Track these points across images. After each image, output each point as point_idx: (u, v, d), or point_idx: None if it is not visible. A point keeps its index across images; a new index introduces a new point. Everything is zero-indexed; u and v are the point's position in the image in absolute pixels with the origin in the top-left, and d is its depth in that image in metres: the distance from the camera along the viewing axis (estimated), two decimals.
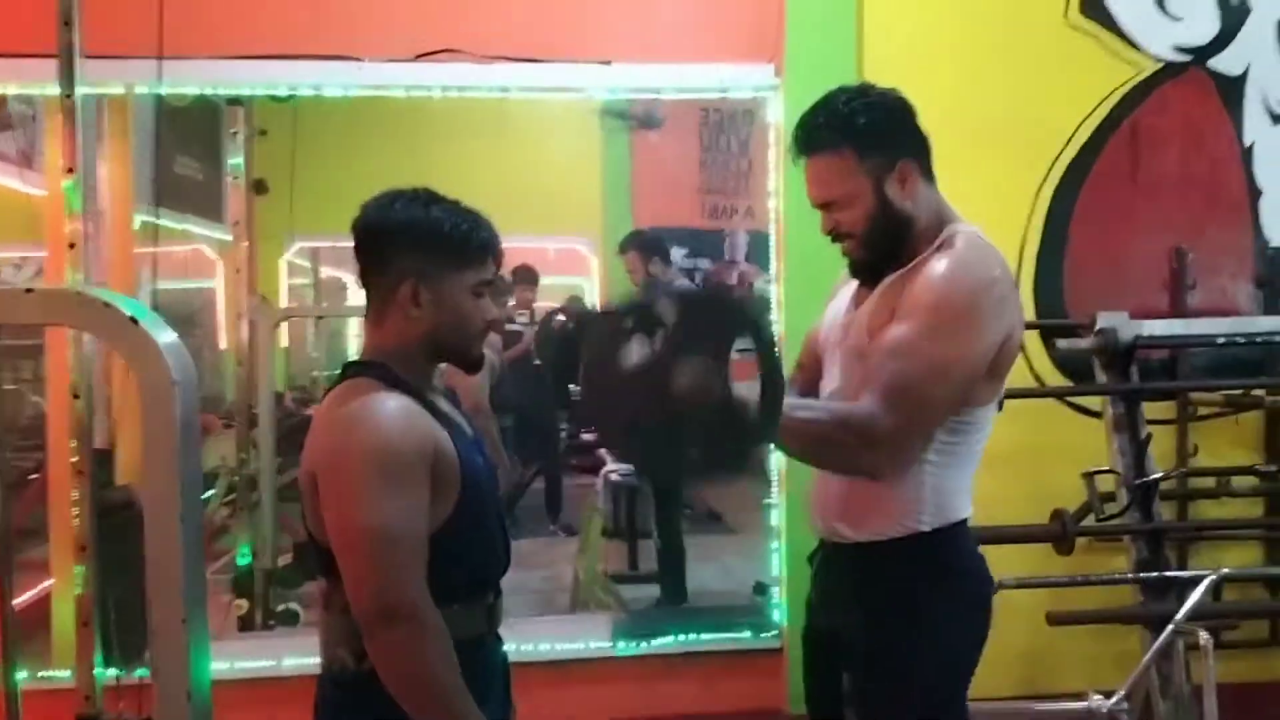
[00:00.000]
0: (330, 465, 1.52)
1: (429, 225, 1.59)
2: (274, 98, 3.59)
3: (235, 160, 4.06)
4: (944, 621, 1.72)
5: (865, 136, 1.69)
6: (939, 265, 1.66)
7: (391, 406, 1.53)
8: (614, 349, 1.51)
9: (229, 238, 5.32)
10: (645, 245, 4.75)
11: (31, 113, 4.14)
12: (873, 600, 1.73)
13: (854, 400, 1.67)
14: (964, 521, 1.76)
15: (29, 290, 1.41)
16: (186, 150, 5.55)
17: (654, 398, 1.47)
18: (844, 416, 1.62)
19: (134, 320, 1.41)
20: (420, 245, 1.59)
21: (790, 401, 1.61)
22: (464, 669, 1.52)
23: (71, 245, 2.33)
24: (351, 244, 1.65)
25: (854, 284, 1.85)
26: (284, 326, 5.58)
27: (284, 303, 6.24)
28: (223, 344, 5.95)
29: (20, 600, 3.71)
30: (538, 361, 5.88)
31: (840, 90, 1.75)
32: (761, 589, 4.11)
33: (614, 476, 5.22)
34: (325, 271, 7.25)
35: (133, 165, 4.03)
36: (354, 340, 6.58)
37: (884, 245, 1.73)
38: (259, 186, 5.23)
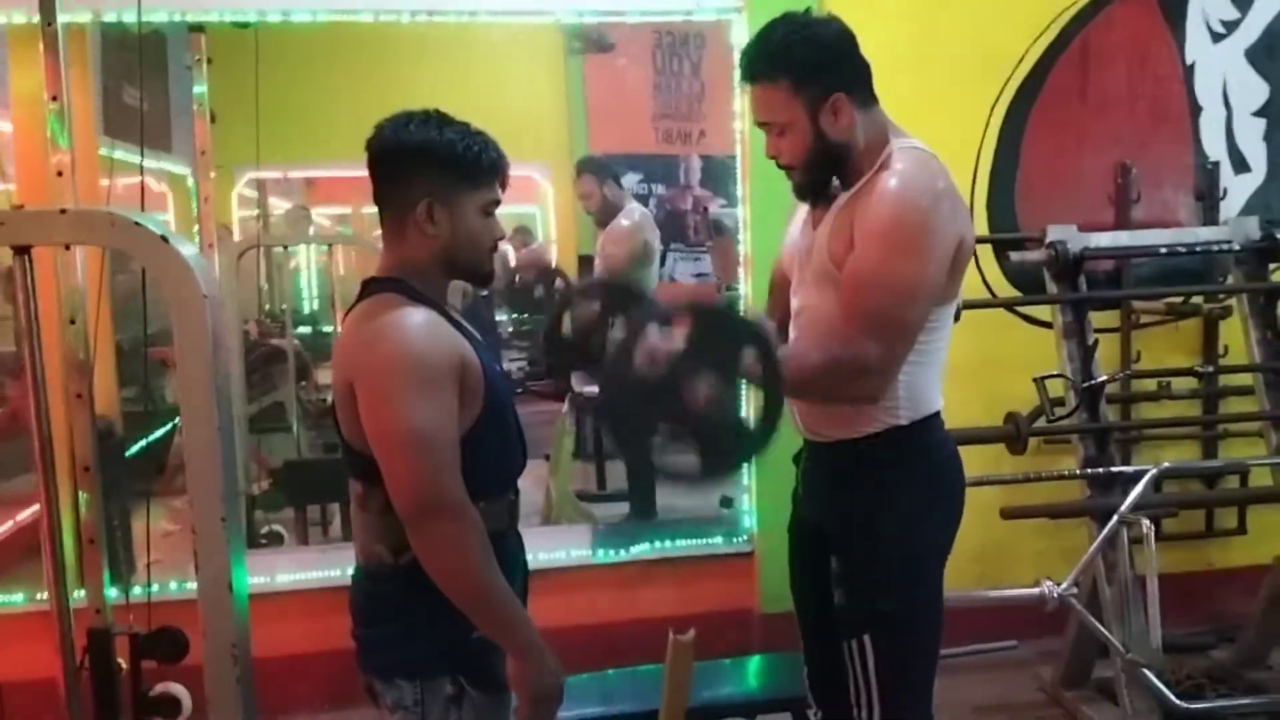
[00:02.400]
0: (366, 375, 1.62)
1: (444, 146, 1.67)
2: (238, 24, 3.59)
3: (199, 89, 4.04)
4: (922, 503, 1.88)
5: (799, 70, 1.81)
6: (887, 186, 1.77)
7: (419, 319, 1.63)
8: (629, 344, 1.58)
9: (178, 170, 5.28)
10: (599, 168, 4.84)
11: None
12: (857, 488, 1.88)
13: (827, 320, 1.81)
14: (937, 414, 1.91)
15: (63, 211, 1.49)
16: (134, 81, 5.48)
17: (669, 404, 1.56)
18: (834, 358, 1.74)
19: (164, 239, 1.49)
20: (435, 165, 1.67)
21: (782, 354, 1.74)
22: None
23: (59, 174, 2.36)
24: (366, 164, 1.72)
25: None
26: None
27: (236, 235, 6.20)
28: None
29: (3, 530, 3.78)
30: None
31: (781, 20, 1.86)
32: (728, 502, 4.28)
33: (580, 401, 5.33)
34: (273, 203, 7.22)
35: (92, 96, 4.01)
36: (307, 271, 6.58)
37: (820, 171, 1.87)
38: (209, 117, 5.18)
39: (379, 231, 1.75)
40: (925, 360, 1.85)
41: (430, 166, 1.67)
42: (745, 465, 1.70)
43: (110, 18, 3.19)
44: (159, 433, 4.88)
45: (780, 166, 1.90)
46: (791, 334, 1.97)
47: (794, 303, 1.96)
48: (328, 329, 6.34)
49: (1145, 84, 3.60)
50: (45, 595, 3.22)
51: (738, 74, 3.34)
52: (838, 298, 1.80)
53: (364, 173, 1.74)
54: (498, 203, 1.75)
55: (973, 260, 3.40)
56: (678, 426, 1.58)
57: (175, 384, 4.48)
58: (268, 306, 6.71)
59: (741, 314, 1.66)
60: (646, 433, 1.59)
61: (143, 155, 2.45)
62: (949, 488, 1.93)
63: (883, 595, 1.86)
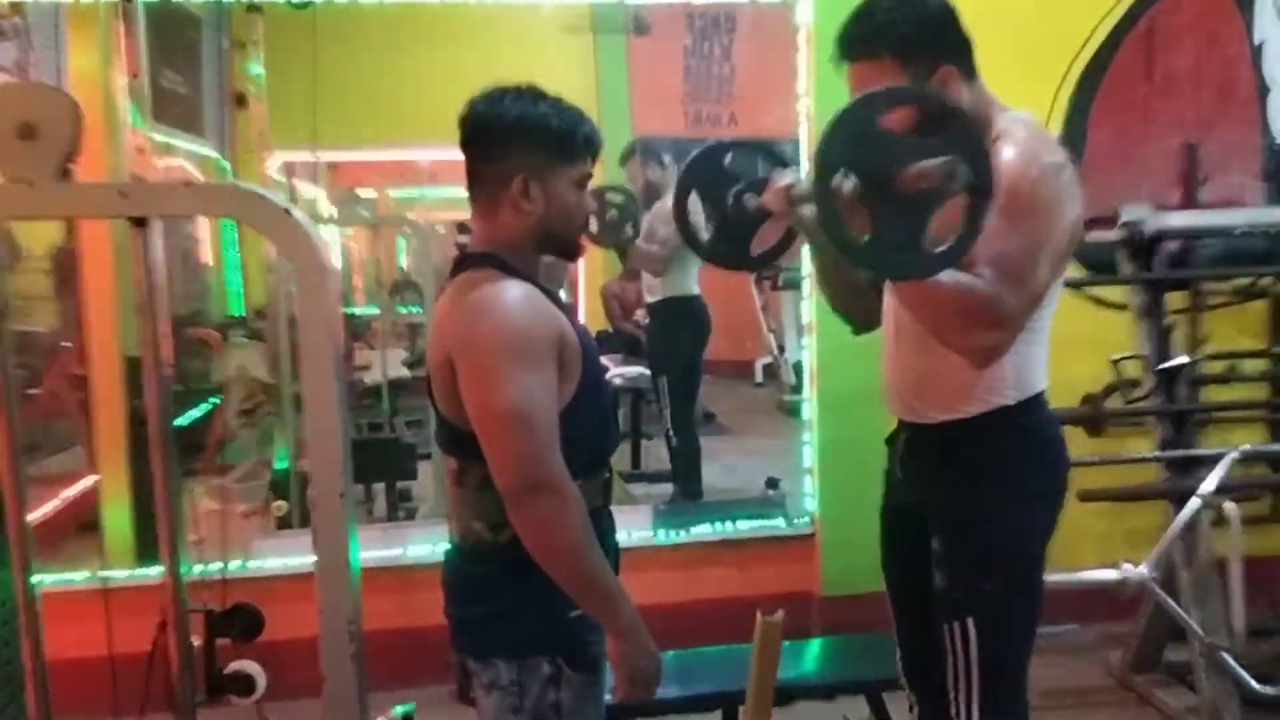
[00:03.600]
0: (466, 350, 1.59)
1: (539, 121, 1.64)
2: (295, 5, 3.57)
3: (257, 70, 4.01)
4: (1030, 484, 1.85)
5: (906, 44, 1.75)
6: (1005, 155, 1.71)
7: (518, 293, 1.61)
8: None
9: (210, 153, 5.26)
10: (642, 152, 4.85)
11: (23, 24, 4.08)
12: (964, 469, 1.84)
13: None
14: (1043, 393, 1.87)
15: (187, 184, 1.46)
16: (170, 64, 5.47)
17: (888, 190, 1.47)
18: (968, 292, 1.62)
19: (287, 212, 1.47)
20: (531, 141, 1.64)
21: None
22: None
23: (140, 150, 2.34)
24: (460, 141, 1.69)
25: None
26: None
27: None
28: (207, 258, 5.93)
29: (45, 509, 3.78)
30: None
31: None
32: (774, 483, 4.27)
33: (617, 381, 5.32)
34: (299, 185, 7.21)
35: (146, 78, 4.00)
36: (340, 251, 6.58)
37: None
38: (239, 100, 5.16)
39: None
40: (1033, 339, 1.81)
41: (526, 141, 1.64)
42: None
43: None
44: (199, 411, 4.89)
45: None
46: (886, 300, 1.94)
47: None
48: (358, 310, 6.36)
49: (1213, 64, 3.55)
50: (101, 573, 3.25)
51: (802, 53, 3.39)
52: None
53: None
54: (590, 177, 1.72)
55: None
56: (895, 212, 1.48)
57: (218, 364, 4.42)
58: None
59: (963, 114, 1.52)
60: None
61: (224, 142, 2.44)
62: (1056, 468, 1.90)
63: (989, 577, 1.83)
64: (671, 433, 4.62)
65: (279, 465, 3.97)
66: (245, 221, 1.45)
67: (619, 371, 5.40)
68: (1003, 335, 1.67)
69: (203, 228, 6.29)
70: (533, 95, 1.67)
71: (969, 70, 1.81)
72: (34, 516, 3.72)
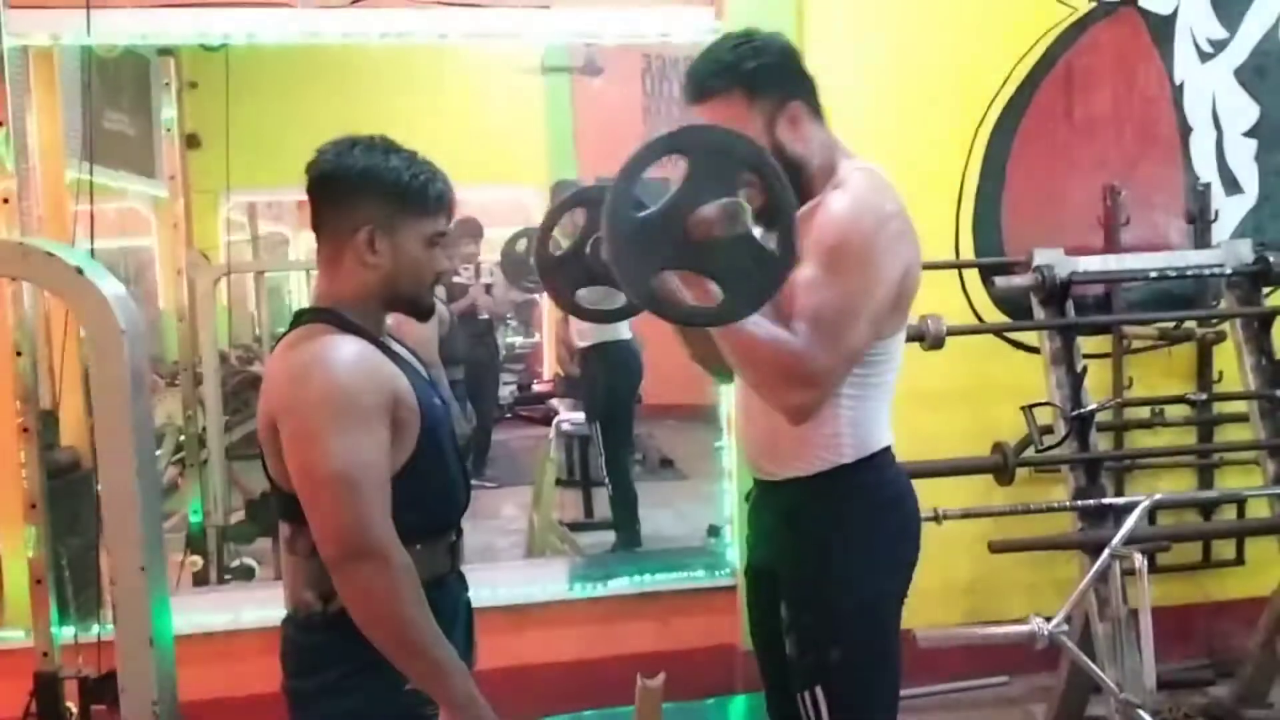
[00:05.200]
0: (290, 410, 1.54)
1: (388, 173, 1.60)
2: (206, 47, 3.52)
3: (170, 112, 3.97)
4: (872, 545, 1.79)
5: (754, 79, 1.73)
6: (837, 204, 1.71)
7: (348, 350, 1.56)
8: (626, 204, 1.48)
9: (164, 193, 5.21)
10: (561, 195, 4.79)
11: None
12: (804, 530, 1.79)
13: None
14: (887, 449, 1.81)
15: None
16: (115, 104, 5.42)
17: (678, 242, 1.47)
18: (782, 347, 1.62)
19: (79, 271, 1.41)
20: (379, 193, 1.60)
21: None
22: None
23: (5, 200, 2.28)
24: (306, 189, 1.65)
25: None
26: (223, 284, 5.48)
27: (222, 259, 6.14)
28: (161, 302, 5.86)
29: None
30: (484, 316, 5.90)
31: (726, 36, 1.80)
32: (715, 531, 4.17)
33: (566, 426, 5.25)
34: (263, 226, 7.15)
35: (62, 120, 3.94)
36: (293, 296, 6.50)
37: None
38: (191, 140, 5.11)
39: None
40: (870, 394, 1.77)
41: (374, 194, 1.61)
42: (775, 286, 1.55)
43: (68, 41, 3.08)
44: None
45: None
46: None
47: None
48: None
49: (1133, 104, 3.52)
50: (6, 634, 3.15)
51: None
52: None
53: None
54: (443, 234, 1.69)
55: (959, 284, 3.39)
56: (692, 263, 1.49)
57: (82, 431, 4.32)
58: (256, 332, 6.65)
59: (739, 137, 1.51)
60: (654, 273, 1.49)
61: (92, 178, 2.37)
62: (901, 528, 1.84)
63: (833, 644, 1.76)
64: (607, 480, 4.54)
65: (193, 518, 3.87)
66: (35, 282, 1.38)
67: (566, 417, 5.34)
68: (813, 394, 1.64)
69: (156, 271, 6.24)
70: (384, 147, 1.64)
71: (816, 109, 1.80)
72: None
